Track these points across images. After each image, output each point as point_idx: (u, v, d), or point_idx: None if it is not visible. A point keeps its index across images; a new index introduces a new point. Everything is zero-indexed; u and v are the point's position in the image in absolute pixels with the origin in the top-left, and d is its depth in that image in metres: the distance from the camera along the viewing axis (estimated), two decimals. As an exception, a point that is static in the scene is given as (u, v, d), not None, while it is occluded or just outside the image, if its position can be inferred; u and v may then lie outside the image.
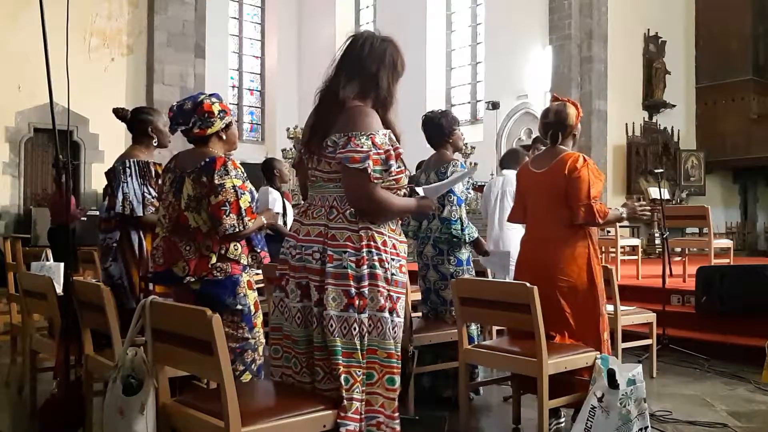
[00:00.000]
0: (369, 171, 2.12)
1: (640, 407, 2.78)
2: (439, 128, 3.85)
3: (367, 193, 2.15)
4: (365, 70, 2.24)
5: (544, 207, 3.25)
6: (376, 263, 2.17)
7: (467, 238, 3.74)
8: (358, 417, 2.12)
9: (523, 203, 3.43)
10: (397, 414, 2.21)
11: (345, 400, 2.10)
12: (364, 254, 2.15)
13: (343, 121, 2.19)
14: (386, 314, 2.18)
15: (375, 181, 2.14)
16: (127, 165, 3.27)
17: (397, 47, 2.31)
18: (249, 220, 2.65)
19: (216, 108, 2.74)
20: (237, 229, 2.62)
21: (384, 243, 2.20)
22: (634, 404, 2.76)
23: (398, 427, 2.21)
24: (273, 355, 2.31)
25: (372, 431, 2.16)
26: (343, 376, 2.11)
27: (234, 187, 2.64)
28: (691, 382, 4.29)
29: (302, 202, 2.46)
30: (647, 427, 2.82)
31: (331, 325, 2.12)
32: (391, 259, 2.21)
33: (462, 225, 3.72)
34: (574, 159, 3.17)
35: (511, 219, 3.59)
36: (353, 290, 2.14)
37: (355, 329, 2.13)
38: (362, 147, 2.13)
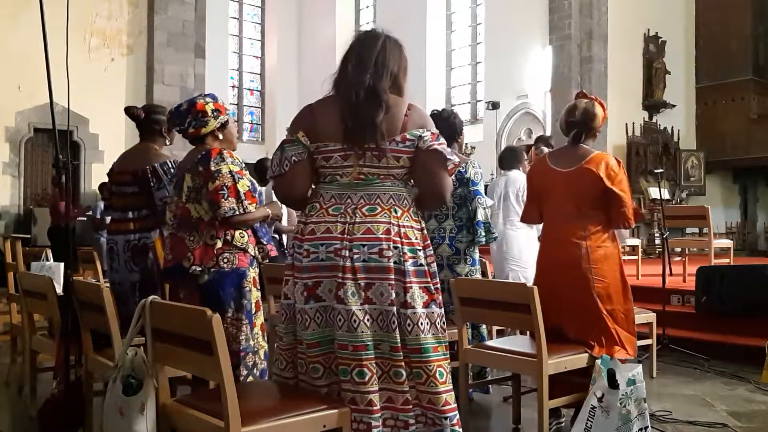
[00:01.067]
0: (451, 166, 2.21)
1: (640, 407, 2.78)
2: (452, 127, 3.85)
3: (450, 185, 2.27)
4: (392, 70, 2.24)
5: (572, 207, 3.17)
6: (434, 261, 2.26)
7: (494, 239, 3.81)
8: (453, 407, 2.14)
9: (540, 202, 3.35)
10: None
11: (446, 393, 2.13)
12: (430, 252, 2.24)
13: (415, 117, 2.21)
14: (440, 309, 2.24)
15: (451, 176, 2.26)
16: (170, 165, 3.26)
17: (403, 47, 2.34)
18: (249, 204, 2.67)
19: (209, 107, 2.78)
20: (237, 212, 2.64)
21: (426, 238, 2.27)
22: (634, 404, 2.76)
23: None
24: (313, 375, 2.15)
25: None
26: (438, 371, 2.13)
27: (231, 171, 2.67)
28: (691, 382, 4.29)
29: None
30: (647, 427, 2.82)
31: (421, 323, 2.13)
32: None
33: (489, 228, 3.77)
34: (608, 160, 3.14)
35: (525, 219, 3.52)
36: (432, 286, 2.19)
37: (438, 324, 2.18)
38: (445, 143, 2.23)
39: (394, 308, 2.11)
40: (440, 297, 2.23)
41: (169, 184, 3.18)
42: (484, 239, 3.71)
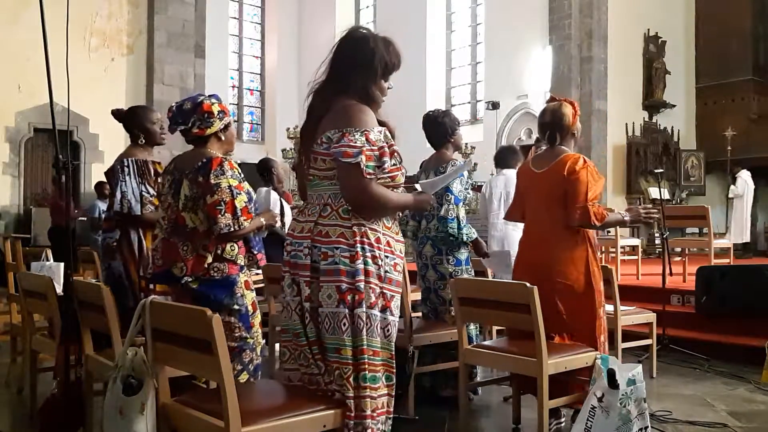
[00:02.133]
0: (362, 166, 2.11)
1: (640, 407, 2.78)
2: (441, 127, 3.84)
3: (361, 188, 2.13)
4: (353, 71, 2.23)
5: (544, 207, 3.25)
6: (369, 260, 2.15)
7: (464, 238, 3.73)
8: (351, 414, 2.11)
9: (522, 202, 3.42)
10: (378, 413, 2.17)
11: (342, 397, 2.12)
12: (358, 250, 2.14)
13: (337, 117, 2.19)
14: (376, 311, 2.16)
15: (368, 176, 2.13)
16: (125, 164, 3.28)
17: (387, 42, 2.29)
18: (245, 220, 2.67)
19: (216, 108, 2.77)
20: (232, 229, 2.63)
21: (378, 240, 2.19)
22: (634, 404, 2.76)
23: (382, 426, 2.18)
24: (281, 359, 2.32)
25: None
26: (336, 372, 2.13)
27: (230, 186, 2.65)
28: (691, 382, 4.29)
29: (301, 202, 2.46)
30: (647, 427, 2.82)
31: (327, 322, 2.15)
32: (385, 256, 2.20)
33: (459, 224, 3.71)
34: (574, 160, 3.17)
35: (508, 217, 3.62)
36: (345, 285, 2.13)
37: (344, 325, 2.13)
38: (355, 142, 2.13)
39: (308, 304, 2.18)
40: (357, 297, 2.12)
41: (118, 185, 3.22)
42: (457, 233, 3.68)
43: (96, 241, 7.78)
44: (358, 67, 2.24)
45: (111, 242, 3.28)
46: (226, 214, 2.63)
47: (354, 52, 2.25)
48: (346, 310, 2.13)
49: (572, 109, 3.31)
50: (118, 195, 3.23)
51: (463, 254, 3.79)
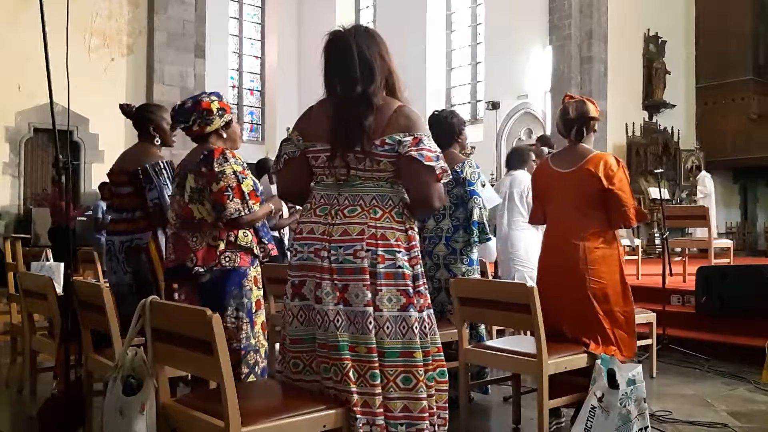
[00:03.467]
0: (439, 171, 2.15)
1: (640, 407, 2.78)
2: (450, 127, 3.84)
3: (439, 192, 2.18)
4: (375, 66, 2.19)
5: (572, 207, 3.18)
6: (418, 263, 2.21)
7: (488, 240, 3.78)
8: (426, 415, 2.12)
9: (543, 204, 3.37)
10: (445, 405, 2.24)
11: (407, 400, 2.10)
12: (415, 254, 2.19)
13: (399, 120, 2.15)
14: (430, 311, 2.22)
15: (442, 181, 2.17)
16: (162, 166, 3.25)
17: (376, 31, 2.29)
18: (253, 204, 2.68)
19: (215, 106, 2.78)
20: (242, 213, 2.65)
21: (418, 243, 2.24)
22: (634, 404, 2.76)
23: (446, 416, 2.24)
24: (293, 369, 2.21)
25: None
26: (402, 377, 2.11)
27: (235, 172, 2.67)
28: (691, 382, 4.29)
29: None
30: (647, 427, 2.82)
31: (388, 327, 2.11)
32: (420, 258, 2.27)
33: (486, 227, 3.74)
34: (606, 159, 3.15)
35: (532, 221, 3.57)
36: (411, 289, 2.14)
37: (415, 328, 2.13)
38: (432, 147, 2.16)
39: (370, 309, 2.10)
40: (422, 300, 2.18)
41: (162, 185, 3.18)
42: (477, 239, 3.70)
43: (98, 240, 7.78)
44: (387, 55, 2.22)
45: (142, 244, 3.23)
46: (234, 199, 2.64)
47: (378, 46, 2.22)
48: (417, 314, 2.14)
49: (594, 105, 3.31)
50: (158, 195, 3.17)
51: (475, 254, 3.80)
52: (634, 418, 2.75)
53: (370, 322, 2.09)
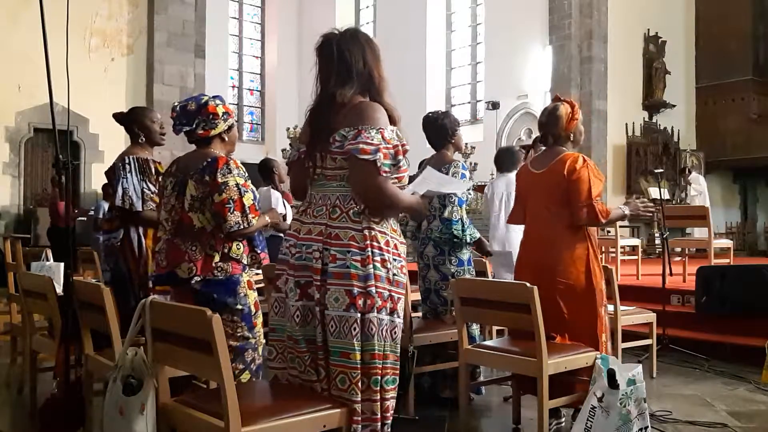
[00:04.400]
0: (379, 164, 2.11)
1: (640, 407, 2.78)
2: (441, 129, 3.84)
3: (377, 186, 2.13)
4: (355, 68, 2.22)
5: (543, 207, 3.24)
6: (379, 264, 2.15)
7: (468, 239, 3.74)
8: (359, 419, 2.11)
9: (523, 204, 3.42)
10: (388, 414, 2.19)
11: (347, 401, 2.10)
12: (369, 254, 2.14)
13: (351, 115, 2.18)
14: (384, 315, 2.16)
15: (384, 174, 2.13)
16: (126, 161, 3.29)
17: (366, 34, 2.32)
18: (253, 218, 2.68)
19: (220, 110, 2.79)
20: (242, 226, 2.65)
21: (387, 243, 2.19)
22: (634, 404, 2.76)
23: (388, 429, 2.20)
24: (268, 357, 2.31)
25: None
26: (339, 377, 2.12)
27: (237, 185, 2.67)
28: (691, 382, 4.29)
29: (299, 202, 2.46)
30: (647, 427, 2.82)
31: (332, 326, 2.12)
32: (393, 259, 2.19)
33: (463, 226, 3.72)
34: (573, 159, 3.17)
35: (511, 220, 3.59)
36: (356, 290, 2.12)
37: (355, 329, 2.11)
38: (372, 140, 2.12)
39: (317, 308, 2.15)
40: (369, 301, 2.12)
41: (120, 179, 3.21)
42: (462, 235, 3.68)
43: (97, 240, 7.78)
44: (370, 58, 2.24)
45: (115, 242, 3.27)
46: (235, 212, 2.64)
47: (362, 48, 2.24)
48: (358, 315, 2.12)
49: (570, 110, 3.28)
50: (120, 191, 3.22)
51: (465, 254, 3.80)
52: (634, 418, 2.75)
53: (317, 320, 2.15)
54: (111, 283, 3.19)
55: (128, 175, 3.25)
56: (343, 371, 2.12)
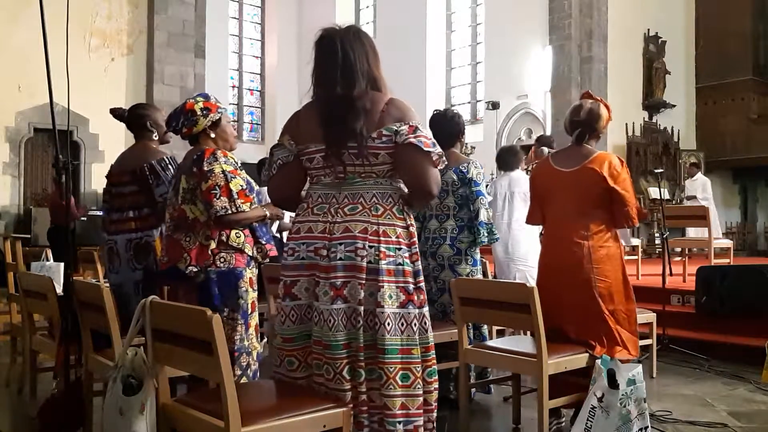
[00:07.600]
0: (435, 157, 2.16)
1: (640, 407, 2.78)
2: (456, 127, 3.83)
3: (436, 178, 2.19)
4: (357, 69, 2.20)
5: (573, 206, 3.17)
6: (418, 260, 2.23)
7: (495, 240, 3.78)
8: (422, 411, 2.14)
9: (542, 204, 3.36)
10: (435, 404, 2.26)
11: (405, 397, 2.11)
12: (415, 250, 2.20)
13: (392, 112, 2.17)
14: (426, 309, 2.23)
15: (438, 167, 2.19)
16: (167, 161, 3.27)
17: (366, 32, 2.31)
18: (242, 203, 2.67)
19: (198, 106, 2.78)
20: (229, 211, 2.64)
21: (416, 240, 2.25)
22: (634, 404, 2.76)
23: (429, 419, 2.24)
24: (288, 367, 2.21)
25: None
26: (401, 374, 2.11)
27: (223, 171, 2.68)
28: (691, 382, 4.29)
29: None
30: (647, 427, 2.82)
31: (388, 324, 2.11)
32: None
33: (492, 227, 3.74)
34: (611, 159, 3.14)
35: (530, 221, 3.53)
36: (411, 286, 2.16)
37: (414, 325, 2.15)
38: (429, 135, 2.18)
39: (362, 308, 2.11)
40: (422, 296, 2.20)
41: (167, 180, 3.17)
42: (486, 239, 3.69)
43: (103, 240, 7.76)
44: (373, 61, 2.24)
45: (150, 240, 3.25)
46: (221, 198, 2.64)
47: (364, 47, 2.23)
48: (416, 311, 2.16)
49: (608, 112, 3.28)
50: (164, 191, 3.16)
51: (477, 254, 3.80)
52: (634, 418, 2.75)
53: (359, 321, 2.10)
54: (144, 282, 3.20)
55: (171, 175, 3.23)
56: (405, 368, 2.12)
